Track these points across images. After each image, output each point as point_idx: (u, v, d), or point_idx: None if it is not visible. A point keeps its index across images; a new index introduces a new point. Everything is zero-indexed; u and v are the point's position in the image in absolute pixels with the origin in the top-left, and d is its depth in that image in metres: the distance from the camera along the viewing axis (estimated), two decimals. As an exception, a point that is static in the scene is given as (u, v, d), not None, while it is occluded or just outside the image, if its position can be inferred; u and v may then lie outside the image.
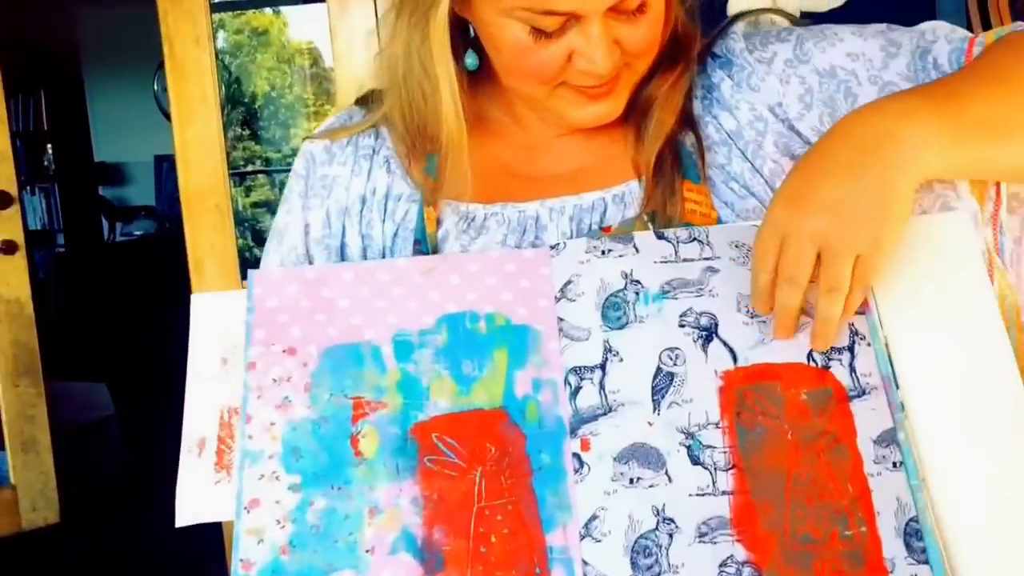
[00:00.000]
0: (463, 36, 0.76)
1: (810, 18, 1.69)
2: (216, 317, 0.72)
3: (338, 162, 0.83)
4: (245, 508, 0.62)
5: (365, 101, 0.86)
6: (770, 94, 0.75)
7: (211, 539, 1.96)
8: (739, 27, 0.79)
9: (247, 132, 6.77)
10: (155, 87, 5.23)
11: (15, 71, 2.85)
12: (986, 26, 2.28)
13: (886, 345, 0.63)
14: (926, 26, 0.75)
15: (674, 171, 0.73)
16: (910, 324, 0.63)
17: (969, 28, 2.08)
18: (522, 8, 0.67)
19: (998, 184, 0.70)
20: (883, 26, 0.76)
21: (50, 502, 2.84)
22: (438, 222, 0.77)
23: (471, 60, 0.77)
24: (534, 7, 0.66)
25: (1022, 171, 0.67)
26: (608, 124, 0.77)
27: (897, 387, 0.61)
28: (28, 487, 2.81)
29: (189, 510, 0.67)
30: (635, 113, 0.77)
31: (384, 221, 0.79)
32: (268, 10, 7.22)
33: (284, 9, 7.09)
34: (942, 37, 0.73)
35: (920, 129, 0.60)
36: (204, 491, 0.67)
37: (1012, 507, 0.58)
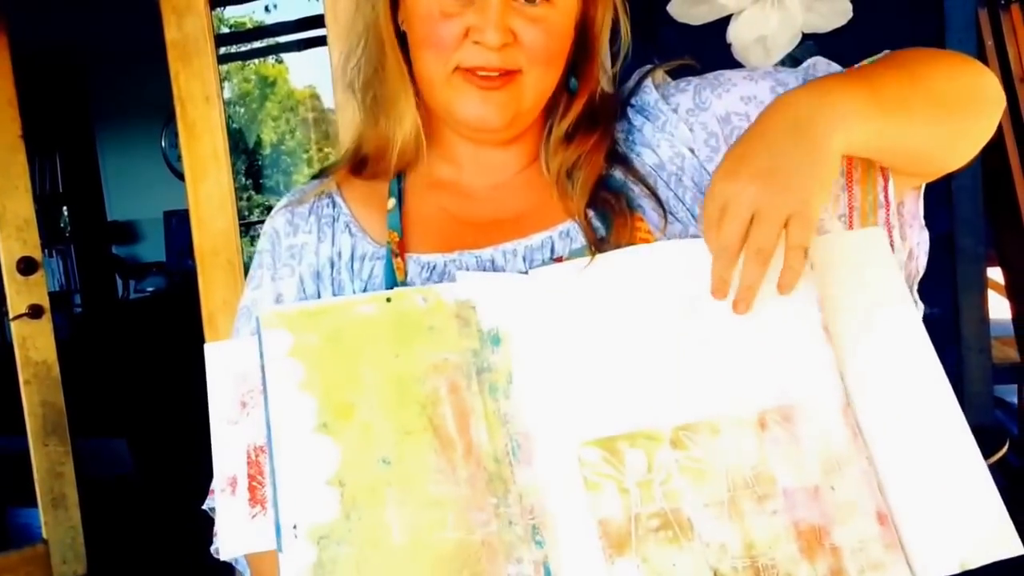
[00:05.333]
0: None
1: (814, 39, 1.73)
2: (230, 364, 0.76)
3: (303, 231, 0.87)
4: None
5: (317, 178, 0.93)
6: (683, 138, 0.83)
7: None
8: (650, 81, 0.87)
9: (249, 182, 6.82)
10: (162, 144, 5.29)
11: (34, 134, 2.92)
12: (999, 40, 2.21)
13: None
14: (809, 63, 0.84)
15: (620, 206, 0.79)
16: (845, 314, 0.72)
17: (980, 43, 2.03)
18: None
19: (885, 181, 0.78)
20: (772, 68, 0.85)
21: (78, 555, 2.88)
22: (405, 273, 0.81)
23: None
24: None
25: (923, 148, 0.75)
26: (536, 178, 0.85)
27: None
28: (58, 542, 2.85)
29: (231, 544, 0.71)
30: (559, 172, 0.83)
31: (353, 281, 0.83)
32: (271, 59, 7.32)
33: (285, 56, 7.18)
34: (823, 72, 0.82)
35: (846, 103, 0.69)
36: (243, 526, 0.70)
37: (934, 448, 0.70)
